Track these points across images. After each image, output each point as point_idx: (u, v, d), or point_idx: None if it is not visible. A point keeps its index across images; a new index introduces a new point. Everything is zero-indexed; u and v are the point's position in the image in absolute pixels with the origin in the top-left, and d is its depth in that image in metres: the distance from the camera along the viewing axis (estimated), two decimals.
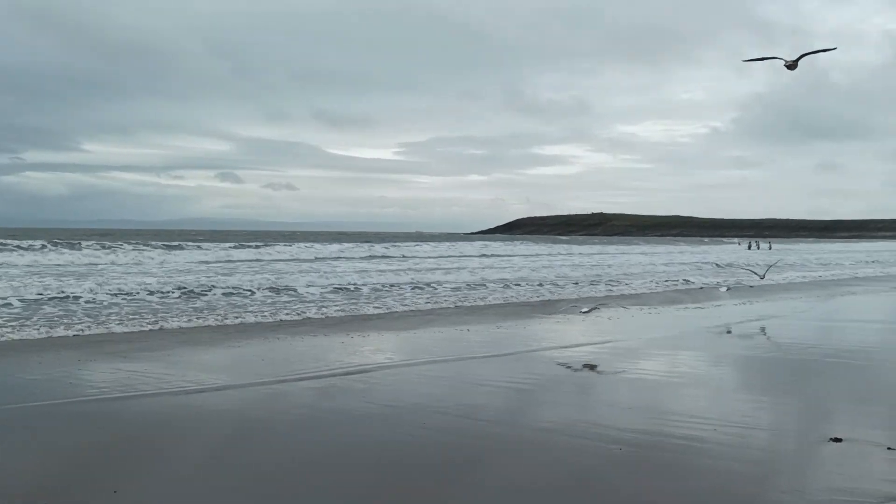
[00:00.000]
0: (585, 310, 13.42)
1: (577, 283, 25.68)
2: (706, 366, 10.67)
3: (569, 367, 10.39)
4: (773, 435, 6.74)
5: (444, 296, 20.48)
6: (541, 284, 24.68)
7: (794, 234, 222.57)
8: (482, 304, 18.92)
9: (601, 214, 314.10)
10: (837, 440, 6.29)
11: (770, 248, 75.68)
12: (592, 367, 10.31)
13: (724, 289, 21.26)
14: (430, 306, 18.01)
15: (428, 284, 23.23)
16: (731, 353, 11.71)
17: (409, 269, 30.14)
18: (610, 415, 7.49)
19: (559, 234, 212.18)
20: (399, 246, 51.50)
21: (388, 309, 17.22)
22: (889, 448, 6.05)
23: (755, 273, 22.27)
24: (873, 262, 46.49)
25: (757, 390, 9.01)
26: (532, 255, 48.02)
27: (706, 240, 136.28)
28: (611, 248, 66.79)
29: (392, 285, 22.55)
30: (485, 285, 23.79)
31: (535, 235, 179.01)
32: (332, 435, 6.74)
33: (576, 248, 62.09)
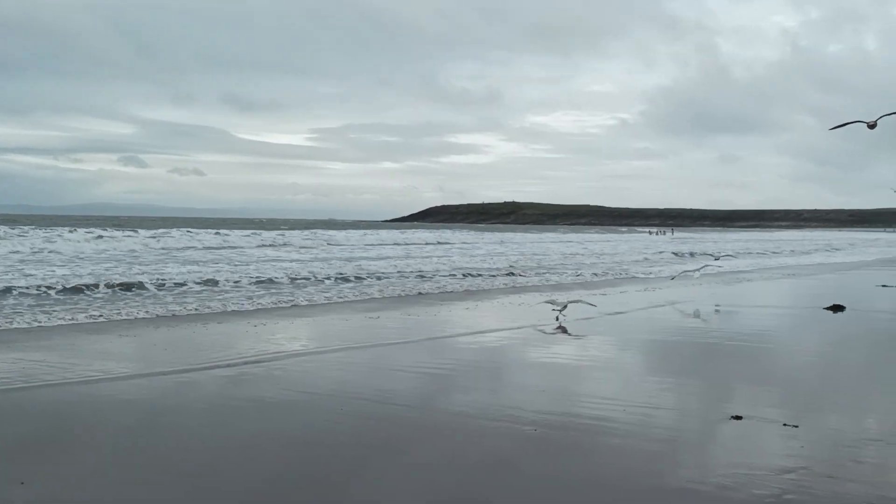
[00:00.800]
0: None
1: (518, 274, 26.03)
2: (615, 349, 11.01)
3: (483, 352, 10.55)
4: (679, 414, 7.04)
5: (367, 284, 20.40)
6: (480, 274, 24.53)
7: (696, 223, 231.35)
8: (411, 292, 18.91)
9: (514, 203, 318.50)
10: (738, 418, 6.63)
11: (673, 236, 79.34)
12: (506, 352, 10.49)
13: (696, 275, 22.11)
14: (352, 296, 17.92)
15: (344, 274, 23.06)
16: (638, 337, 12.12)
17: (331, 258, 29.83)
18: (524, 398, 7.65)
19: (474, 223, 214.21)
20: (315, 233, 50.98)
21: (304, 298, 17.02)
22: (785, 424, 6.41)
23: (711, 257, 23.28)
24: (784, 251, 48.43)
25: (663, 372, 9.37)
26: (455, 244, 48.21)
27: (623, 229, 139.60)
28: (535, 237, 67.38)
29: (308, 274, 22.23)
30: (409, 274, 23.78)
31: (449, 224, 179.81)
32: (245, 422, 6.64)
33: (506, 236, 62.26)
